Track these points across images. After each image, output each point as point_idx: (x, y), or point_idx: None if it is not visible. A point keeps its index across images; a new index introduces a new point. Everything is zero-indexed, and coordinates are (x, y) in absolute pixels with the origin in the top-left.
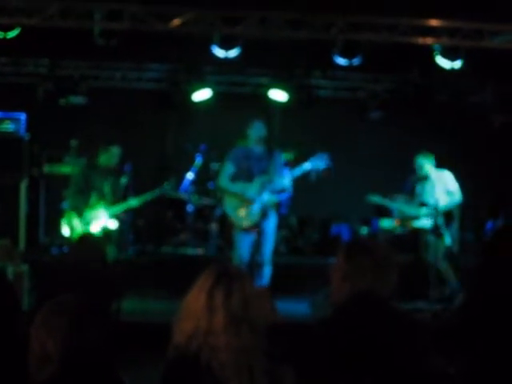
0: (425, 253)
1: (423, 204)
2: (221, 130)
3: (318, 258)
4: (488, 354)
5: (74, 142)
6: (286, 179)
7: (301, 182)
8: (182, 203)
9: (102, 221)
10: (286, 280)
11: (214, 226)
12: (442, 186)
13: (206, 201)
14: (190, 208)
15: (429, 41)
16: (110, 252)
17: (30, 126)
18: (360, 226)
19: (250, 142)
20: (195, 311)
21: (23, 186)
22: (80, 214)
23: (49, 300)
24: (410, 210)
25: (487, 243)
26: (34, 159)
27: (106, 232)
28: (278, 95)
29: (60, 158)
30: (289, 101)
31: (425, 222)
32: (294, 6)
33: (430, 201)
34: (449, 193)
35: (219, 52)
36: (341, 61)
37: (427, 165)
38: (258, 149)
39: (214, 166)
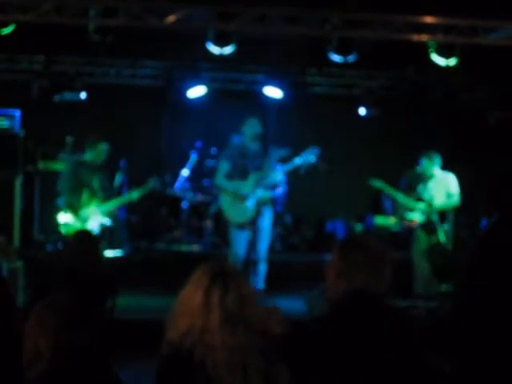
0: (413, 247)
1: (420, 199)
2: (216, 126)
3: (313, 255)
4: (483, 351)
5: (69, 139)
6: (279, 174)
7: (296, 180)
8: (176, 200)
9: (97, 218)
10: (282, 277)
11: (208, 223)
12: (444, 188)
13: (201, 197)
14: (184, 205)
15: (424, 38)
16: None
17: (25, 123)
18: (355, 222)
19: (245, 139)
20: (191, 309)
21: (18, 183)
22: (75, 212)
23: (43, 296)
24: (409, 202)
25: (480, 238)
26: (28, 156)
27: (102, 229)
28: (273, 92)
29: (55, 154)
30: (284, 98)
31: (418, 215)
32: (289, 2)
33: (427, 198)
34: (449, 195)
35: (214, 49)
36: (336, 58)
37: (433, 165)
38: (253, 146)
39: (209, 162)
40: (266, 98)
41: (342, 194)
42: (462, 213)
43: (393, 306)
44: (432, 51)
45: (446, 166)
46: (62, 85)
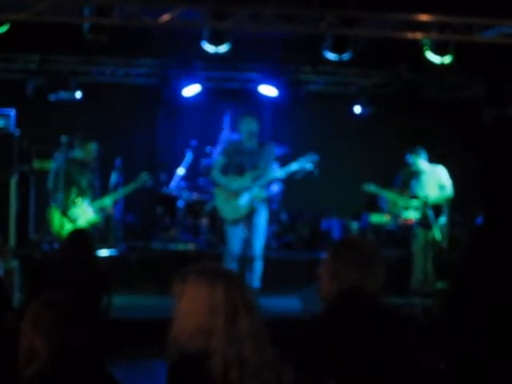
0: (413, 244)
1: (414, 197)
2: (211, 125)
3: (309, 253)
4: (478, 349)
5: (64, 138)
6: (275, 172)
7: (292, 177)
8: (172, 199)
9: (86, 215)
10: (277, 275)
11: (204, 222)
12: (435, 181)
13: (197, 196)
14: (180, 203)
15: (418, 36)
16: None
17: (20, 122)
18: (350, 220)
19: (241, 136)
20: (196, 310)
21: (13, 182)
22: (65, 210)
23: (39, 296)
24: (403, 201)
25: (474, 235)
26: (23, 155)
27: (92, 226)
28: (269, 90)
29: (50, 153)
30: (279, 96)
31: (414, 214)
32: (283, 0)
33: (421, 194)
34: (441, 187)
35: (209, 47)
36: (331, 56)
37: (420, 160)
38: (249, 144)
39: (205, 161)
40: (261, 96)
41: (338, 192)
42: (457, 210)
43: (386, 305)
44: (427, 49)
45: (441, 164)
46: (57, 84)
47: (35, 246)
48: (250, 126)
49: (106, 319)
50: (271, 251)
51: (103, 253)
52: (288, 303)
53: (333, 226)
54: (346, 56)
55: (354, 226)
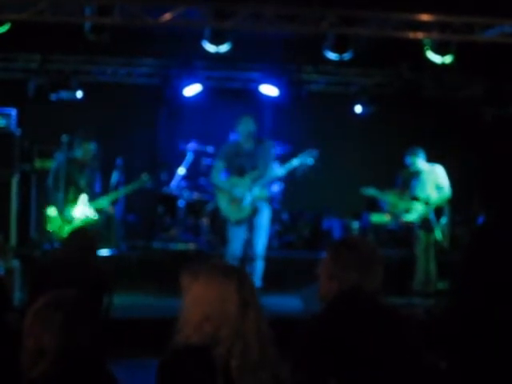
0: (415, 246)
1: (415, 198)
2: (212, 125)
3: (310, 252)
4: (479, 349)
5: (65, 138)
6: (276, 171)
7: (293, 177)
8: (173, 198)
9: (84, 215)
10: (278, 274)
11: (204, 221)
12: (433, 181)
13: (197, 196)
14: (181, 203)
15: (419, 35)
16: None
17: (21, 122)
18: (351, 220)
19: (240, 137)
20: (207, 298)
21: (14, 182)
22: (61, 210)
23: (40, 295)
24: (401, 203)
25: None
26: (25, 155)
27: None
28: (270, 90)
29: (51, 153)
30: (280, 96)
31: (415, 216)
32: (284, 0)
33: (422, 195)
34: (438, 187)
35: (210, 47)
36: (332, 55)
37: (419, 160)
38: (248, 144)
39: (206, 161)
40: (262, 96)
41: (339, 192)
42: (458, 210)
43: (386, 305)
44: (428, 49)
45: (441, 163)
46: (58, 83)
47: (36, 246)
48: (248, 126)
49: (107, 319)
50: (272, 251)
51: (104, 252)
52: (289, 302)
53: (334, 225)
54: (346, 56)
55: (355, 225)
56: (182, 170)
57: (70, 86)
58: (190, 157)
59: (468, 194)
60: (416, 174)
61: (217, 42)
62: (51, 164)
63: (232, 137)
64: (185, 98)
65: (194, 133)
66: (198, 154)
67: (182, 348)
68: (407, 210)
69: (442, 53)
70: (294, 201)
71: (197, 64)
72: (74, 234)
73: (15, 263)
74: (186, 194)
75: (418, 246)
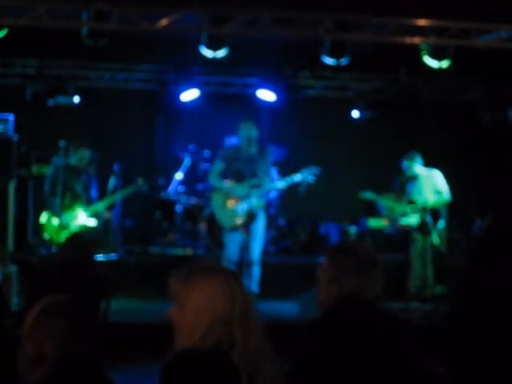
0: (411, 249)
1: (412, 202)
2: (209, 130)
3: (307, 257)
4: (478, 353)
5: (62, 143)
6: (276, 183)
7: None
8: (170, 203)
9: (80, 220)
10: (275, 280)
11: (202, 226)
12: (431, 185)
13: (195, 201)
14: (178, 208)
15: (416, 40)
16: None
17: (19, 127)
18: (348, 225)
19: (240, 142)
20: (214, 301)
21: (11, 187)
22: (58, 216)
23: (38, 301)
24: (399, 207)
25: (475, 243)
26: (22, 160)
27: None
28: (267, 95)
29: (48, 158)
30: (277, 101)
31: (412, 220)
32: (281, 5)
33: (419, 199)
34: (437, 192)
35: (207, 52)
36: (329, 61)
37: (416, 164)
38: (248, 149)
39: (203, 166)
40: (260, 101)
41: (336, 197)
42: (456, 214)
43: (385, 310)
44: (425, 53)
45: (439, 168)
46: (55, 89)
47: (33, 251)
48: (248, 131)
49: (105, 323)
50: (269, 256)
51: (102, 257)
52: (286, 308)
53: (331, 230)
54: (344, 61)
55: (352, 230)
56: (179, 175)
57: (68, 91)
58: (187, 162)
59: (465, 198)
60: (413, 179)
61: (214, 47)
62: (48, 170)
63: (229, 141)
64: (182, 103)
65: (191, 138)
66: (196, 159)
67: (195, 353)
68: (404, 214)
69: (439, 58)
70: (291, 206)
71: (194, 69)
72: (72, 240)
73: (12, 268)
74: (183, 199)
75: (413, 249)
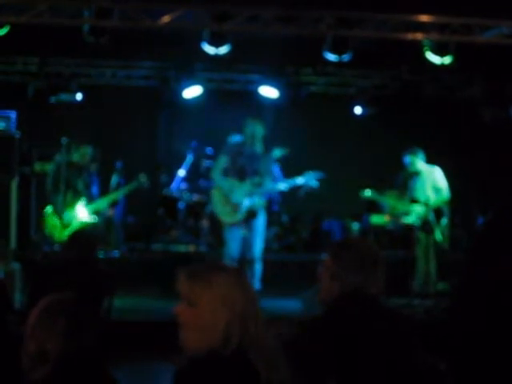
0: (415, 248)
1: (414, 200)
2: (211, 126)
3: (309, 254)
4: (478, 349)
5: (64, 140)
6: (278, 184)
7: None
8: (173, 200)
9: (81, 217)
10: (278, 277)
11: (205, 223)
12: (431, 183)
13: (197, 198)
14: (181, 205)
15: (419, 36)
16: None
17: (21, 124)
18: (351, 222)
19: (244, 138)
20: (231, 299)
21: (14, 185)
22: (60, 214)
23: (41, 298)
24: (401, 205)
25: (477, 237)
26: (24, 157)
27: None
28: (269, 92)
29: (51, 156)
30: (279, 97)
31: (415, 219)
32: (283, 2)
33: (422, 196)
34: (436, 189)
35: (209, 49)
36: (331, 57)
37: (418, 161)
38: (251, 147)
39: (205, 163)
40: (262, 97)
41: (338, 193)
42: (457, 211)
43: (387, 307)
44: (427, 49)
45: (440, 164)
46: (57, 86)
47: (36, 248)
48: (253, 128)
49: (107, 321)
50: (272, 253)
51: (104, 254)
52: (288, 305)
53: (333, 227)
54: (346, 57)
55: (355, 227)
56: (181, 172)
57: (70, 88)
58: (189, 159)
59: (467, 194)
60: (415, 175)
61: (216, 44)
62: (50, 167)
63: (233, 138)
64: (184, 100)
65: (193, 135)
66: (198, 156)
67: (211, 358)
68: (406, 213)
69: (441, 54)
70: (294, 203)
71: (196, 66)
72: (74, 237)
73: (15, 266)
74: (186, 195)
75: (418, 247)
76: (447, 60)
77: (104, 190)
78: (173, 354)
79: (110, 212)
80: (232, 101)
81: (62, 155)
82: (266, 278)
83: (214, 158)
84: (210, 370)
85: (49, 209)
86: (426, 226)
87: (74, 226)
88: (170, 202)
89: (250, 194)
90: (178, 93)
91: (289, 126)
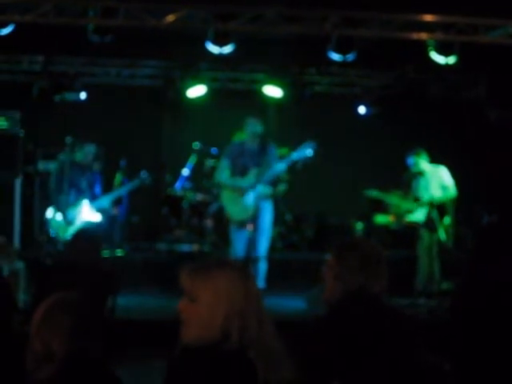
0: (417, 246)
1: (418, 199)
2: (216, 126)
3: (313, 253)
4: (482, 349)
5: (69, 139)
6: (276, 166)
7: (296, 177)
8: (177, 200)
9: (84, 216)
10: (282, 276)
11: (209, 223)
12: (437, 181)
13: (201, 197)
14: (185, 204)
15: (423, 36)
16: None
17: (25, 124)
18: (355, 221)
19: (245, 137)
20: (230, 294)
21: (18, 184)
22: (64, 212)
23: (45, 297)
24: (405, 204)
25: (480, 237)
26: (28, 157)
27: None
28: (273, 91)
29: (55, 155)
30: (284, 97)
31: (418, 216)
32: (287, 1)
33: (425, 195)
34: (443, 187)
35: (213, 48)
36: (335, 56)
37: (421, 161)
38: (252, 145)
39: (209, 162)
40: (266, 97)
41: (343, 193)
42: (461, 210)
43: (390, 306)
44: (431, 49)
45: (445, 164)
46: (61, 85)
47: (40, 247)
48: (254, 127)
49: (111, 320)
50: (276, 252)
51: (108, 253)
52: (293, 304)
53: (337, 226)
54: (350, 57)
55: (359, 226)
56: (185, 171)
57: (74, 87)
58: (193, 158)
59: (472, 194)
60: (418, 175)
61: (220, 43)
62: (54, 166)
63: (236, 138)
64: (188, 99)
65: (197, 134)
66: (202, 155)
67: (212, 351)
68: (410, 211)
69: (445, 53)
70: (298, 202)
71: (200, 65)
72: (78, 236)
73: (20, 265)
74: (190, 195)
75: (420, 246)
76: (452, 60)
77: (108, 189)
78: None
79: (114, 211)
80: (236, 100)
81: (65, 154)
82: (270, 277)
83: (218, 157)
84: (203, 362)
85: (53, 208)
86: (429, 223)
87: (78, 225)
88: (174, 202)
89: (255, 184)
90: (182, 92)
91: (292, 126)
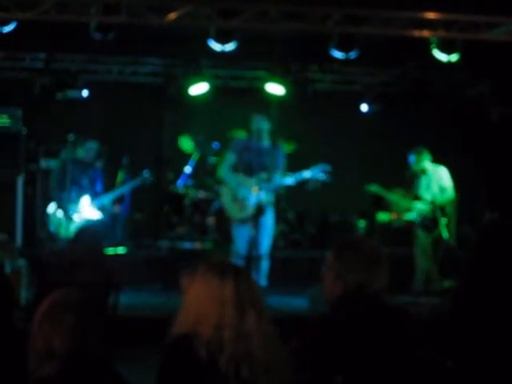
0: (413, 245)
1: (418, 197)
2: (218, 123)
3: (316, 251)
4: (484, 347)
5: (71, 137)
6: (285, 179)
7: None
8: (179, 197)
9: (85, 214)
10: (284, 274)
11: (211, 220)
12: (436, 182)
13: (204, 194)
14: (187, 202)
15: (425, 33)
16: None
17: (27, 121)
18: (357, 219)
19: (251, 135)
20: (202, 299)
21: (20, 181)
22: (65, 210)
23: (47, 295)
24: (406, 202)
25: (482, 235)
26: (30, 154)
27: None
28: (275, 89)
29: (57, 152)
30: (286, 94)
31: (416, 215)
32: None
33: (427, 195)
34: (441, 188)
35: (216, 46)
36: (337, 54)
37: (423, 159)
38: (258, 142)
39: (212, 159)
40: (268, 94)
41: (345, 190)
42: (464, 208)
43: (391, 304)
44: (434, 47)
45: (448, 161)
46: (64, 83)
47: (42, 245)
48: (259, 124)
49: (113, 317)
50: (278, 250)
51: (110, 251)
52: (295, 302)
53: (339, 224)
54: (352, 54)
55: (361, 224)
56: (188, 169)
57: (76, 85)
58: (195, 155)
59: (474, 192)
60: (420, 173)
61: (222, 40)
62: (55, 163)
63: (240, 135)
64: (191, 96)
65: (200, 131)
66: (204, 153)
67: (178, 349)
68: (409, 209)
69: (448, 51)
70: (300, 200)
71: (203, 63)
72: (80, 234)
73: (21, 262)
74: (192, 192)
75: (416, 245)
76: (454, 57)
77: (110, 187)
78: None
79: (116, 208)
80: (238, 98)
81: (67, 151)
82: (272, 275)
83: (220, 154)
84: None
85: (54, 205)
86: (426, 223)
87: (79, 222)
88: (176, 199)
89: (257, 191)
90: (184, 89)
91: (295, 123)
